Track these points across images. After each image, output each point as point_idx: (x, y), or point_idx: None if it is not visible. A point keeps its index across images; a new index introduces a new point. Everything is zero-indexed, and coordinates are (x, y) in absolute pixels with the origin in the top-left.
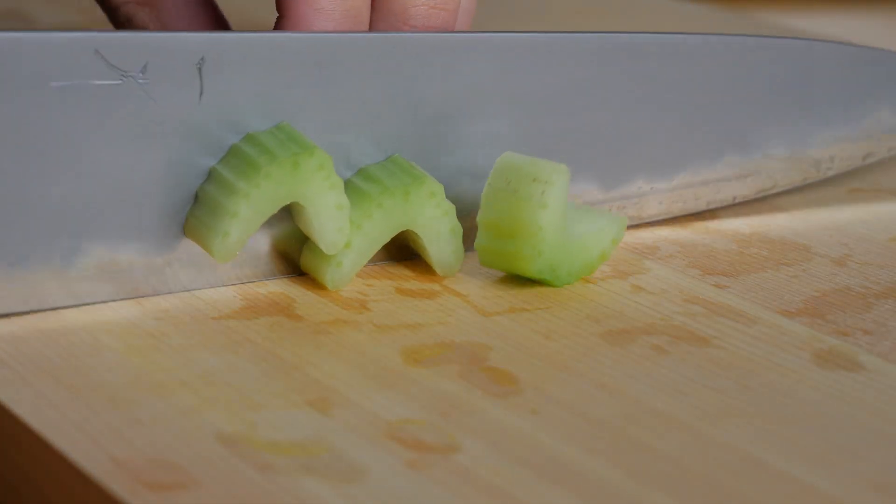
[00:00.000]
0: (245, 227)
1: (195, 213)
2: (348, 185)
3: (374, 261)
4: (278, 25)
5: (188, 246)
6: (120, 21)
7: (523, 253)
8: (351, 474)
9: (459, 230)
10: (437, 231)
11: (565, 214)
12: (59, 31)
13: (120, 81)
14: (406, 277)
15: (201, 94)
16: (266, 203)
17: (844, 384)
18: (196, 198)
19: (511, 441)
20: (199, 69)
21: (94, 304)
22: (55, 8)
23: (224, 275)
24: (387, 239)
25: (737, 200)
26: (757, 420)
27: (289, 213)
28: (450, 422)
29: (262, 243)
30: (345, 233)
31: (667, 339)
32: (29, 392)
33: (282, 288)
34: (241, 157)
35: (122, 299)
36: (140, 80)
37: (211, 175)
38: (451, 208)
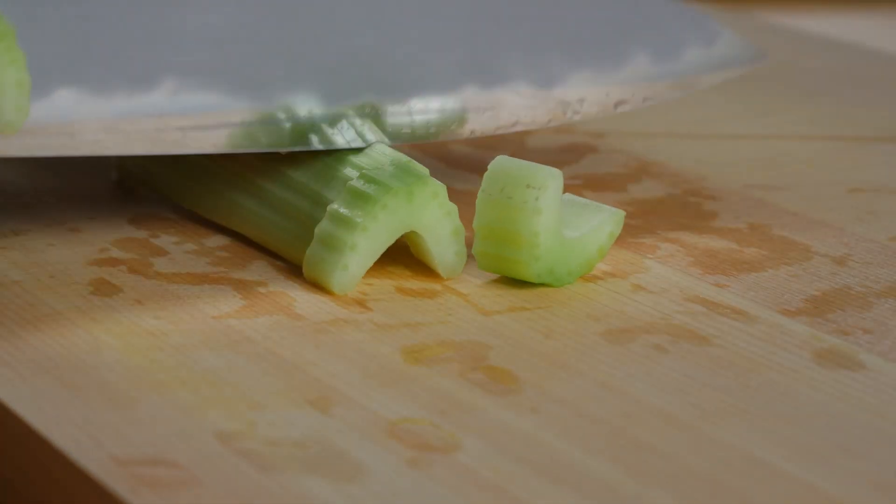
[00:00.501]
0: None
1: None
2: (346, 188)
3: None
4: None
5: None
6: None
7: (521, 258)
8: (351, 473)
9: (462, 231)
10: (441, 232)
11: (560, 217)
12: None
13: None
14: (406, 277)
15: None
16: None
17: (845, 383)
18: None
19: (511, 440)
20: None
21: None
22: None
23: None
24: (392, 241)
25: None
26: (757, 419)
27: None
28: (450, 420)
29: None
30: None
31: (667, 338)
32: (29, 391)
33: (282, 287)
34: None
35: None
36: None
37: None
38: (454, 209)
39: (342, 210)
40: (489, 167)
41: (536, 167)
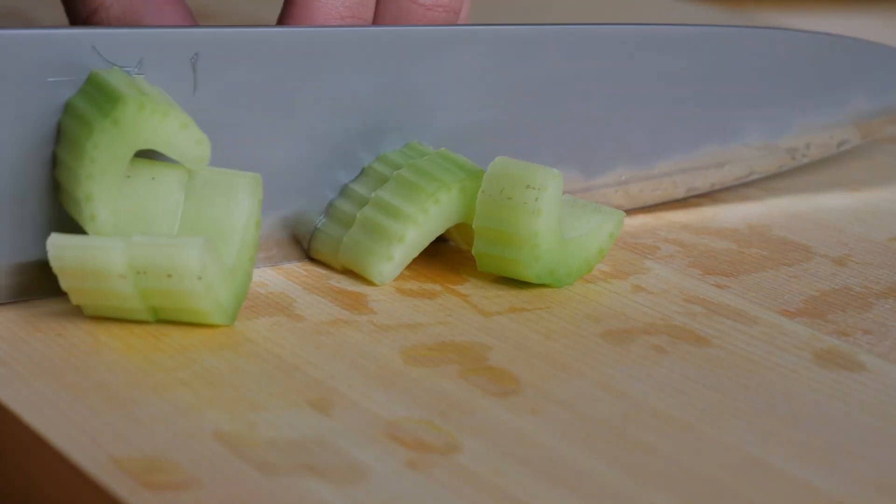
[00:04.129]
0: (105, 199)
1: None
2: (394, 177)
3: None
4: (285, 11)
5: None
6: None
7: (521, 259)
8: (351, 474)
9: None
10: None
11: (560, 217)
12: (57, 27)
13: None
14: (406, 277)
15: (195, 87)
16: (111, 168)
17: (845, 384)
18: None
19: (511, 441)
20: (193, 64)
21: None
22: (55, 9)
23: None
24: (439, 233)
25: (714, 188)
26: (757, 420)
27: (301, 196)
28: (450, 421)
29: (277, 229)
30: (205, 144)
31: (667, 339)
32: (29, 391)
33: (282, 288)
34: (67, 134)
35: None
36: (135, 74)
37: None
38: None
39: (392, 200)
40: (489, 168)
41: (536, 168)
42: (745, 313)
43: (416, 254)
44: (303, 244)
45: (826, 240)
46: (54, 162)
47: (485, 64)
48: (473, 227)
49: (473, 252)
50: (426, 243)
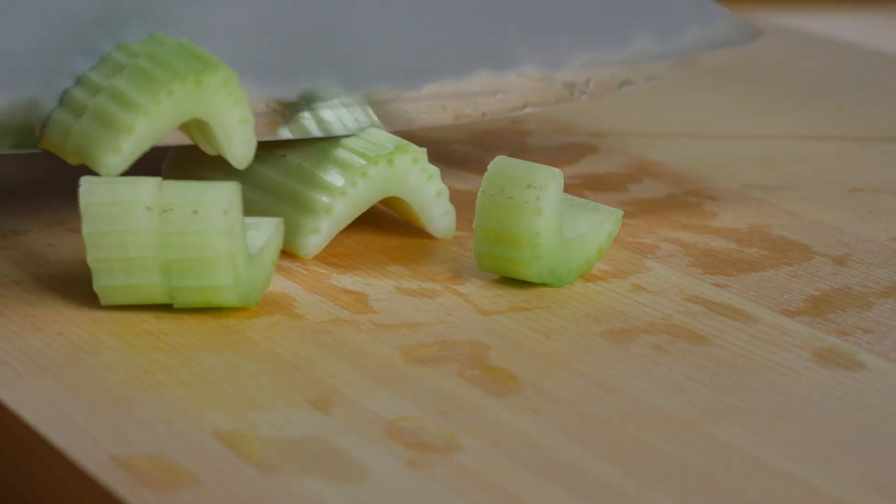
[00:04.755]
0: (139, 142)
1: (76, 123)
2: (324, 152)
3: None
4: None
5: None
6: None
7: (522, 258)
8: (351, 473)
9: (446, 191)
10: (424, 196)
11: (561, 217)
12: None
13: None
14: (406, 277)
15: None
16: (165, 119)
17: (845, 383)
18: (64, 103)
19: (511, 440)
20: None
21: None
22: None
23: None
24: (368, 206)
25: (486, 116)
26: (757, 419)
27: (34, 82)
28: (450, 421)
29: (7, 114)
30: (252, 145)
31: (667, 338)
32: (29, 391)
33: (282, 287)
34: (137, 70)
35: None
36: None
37: (88, 83)
38: (436, 171)
39: (124, 88)
40: (489, 168)
41: (537, 167)
42: (746, 312)
43: (342, 227)
44: (35, 132)
45: (826, 239)
46: (83, 85)
47: None
48: (474, 227)
49: (474, 252)
50: (355, 216)
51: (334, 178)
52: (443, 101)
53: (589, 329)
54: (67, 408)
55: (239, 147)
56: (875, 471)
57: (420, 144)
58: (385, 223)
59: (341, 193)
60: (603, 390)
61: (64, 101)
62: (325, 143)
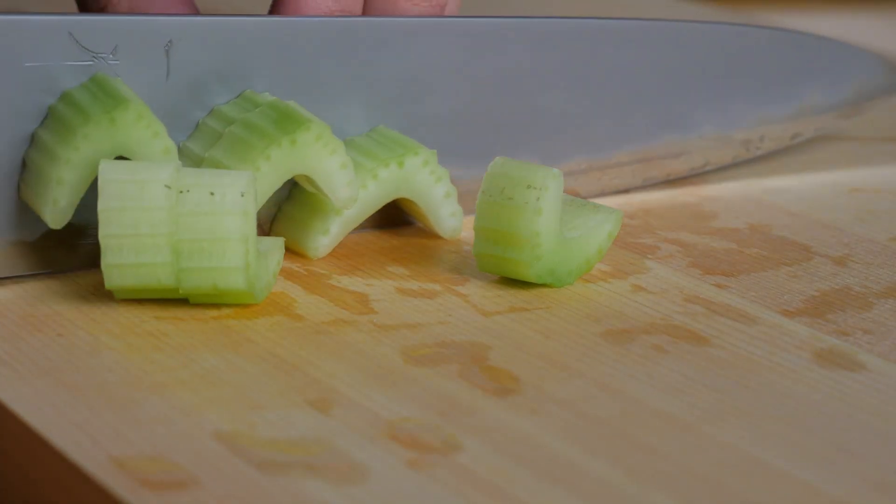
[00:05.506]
0: (73, 190)
1: (25, 180)
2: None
3: (363, 227)
4: (275, 3)
5: None
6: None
7: (522, 259)
8: (351, 474)
9: (454, 193)
10: (433, 197)
11: (561, 217)
12: (34, 13)
13: (91, 62)
14: (406, 277)
15: (168, 74)
16: (90, 164)
17: (844, 384)
18: (23, 163)
19: (511, 441)
20: (167, 51)
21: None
22: (51, 7)
23: None
24: (378, 206)
25: (670, 177)
26: (756, 420)
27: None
28: (450, 421)
29: None
30: (355, 186)
31: (667, 339)
32: (29, 391)
33: (282, 288)
34: (58, 119)
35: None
36: (110, 62)
37: (33, 140)
38: (445, 173)
39: (45, 137)
40: (489, 168)
41: (537, 168)
42: (745, 313)
43: (352, 227)
44: None
45: (826, 240)
46: (31, 142)
47: (449, 55)
48: (474, 228)
49: (474, 253)
50: (364, 217)
51: None
52: (632, 167)
53: (589, 329)
54: (67, 408)
55: (342, 191)
56: (875, 471)
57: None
58: (385, 224)
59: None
60: (603, 391)
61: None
62: None
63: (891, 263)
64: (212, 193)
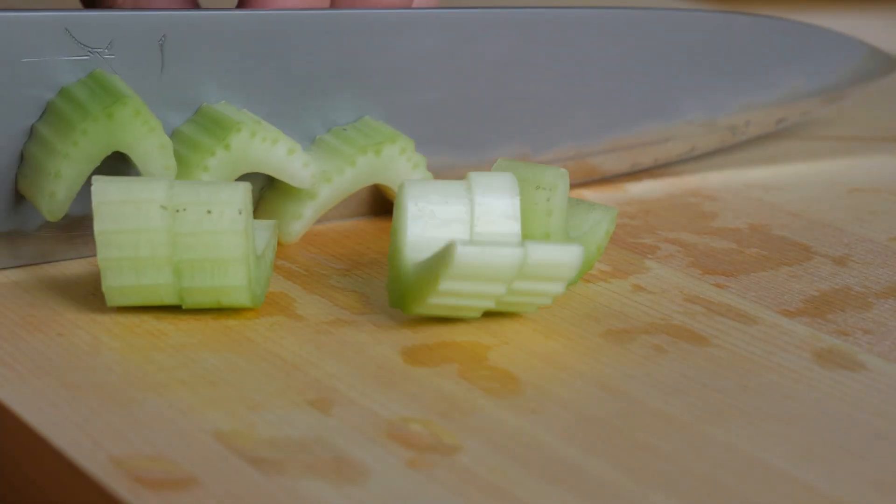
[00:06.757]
0: (70, 184)
1: (23, 173)
2: (321, 143)
3: (345, 216)
4: (241, 4)
5: None
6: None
7: None
8: (351, 474)
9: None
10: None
11: (566, 217)
12: (31, 10)
13: (87, 57)
14: None
15: (163, 67)
16: (88, 158)
17: (844, 384)
18: (21, 157)
19: (511, 440)
20: (161, 45)
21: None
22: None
23: None
24: (352, 192)
25: (658, 163)
26: (756, 420)
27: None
28: (450, 421)
29: None
30: (173, 169)
31: (667, 339)
32: (29, 391)
33: (282, 288)
34: (57, 114)
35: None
36: (106, 56)
37: (32, 134)
38: (422, 160)
39: (44, 132)
40: (493, 170)
41: (544, 168)
42: (745, 313)
43: (326, 209)
44: None
45: (826, 240)
46: (30, 136)
47: (435, 46)
48: None
49: None
50: (339, 199)
51: (321, 165)
52: (619, 153)
53: (589, 329)
54: (67, 408)
55: (160, 173)
56: (875, 471)
57: None
58: (385, 223)
59: (327, 180)
60: (603, 390)
61: None
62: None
63: (891, 263)
64: (209, 212)
